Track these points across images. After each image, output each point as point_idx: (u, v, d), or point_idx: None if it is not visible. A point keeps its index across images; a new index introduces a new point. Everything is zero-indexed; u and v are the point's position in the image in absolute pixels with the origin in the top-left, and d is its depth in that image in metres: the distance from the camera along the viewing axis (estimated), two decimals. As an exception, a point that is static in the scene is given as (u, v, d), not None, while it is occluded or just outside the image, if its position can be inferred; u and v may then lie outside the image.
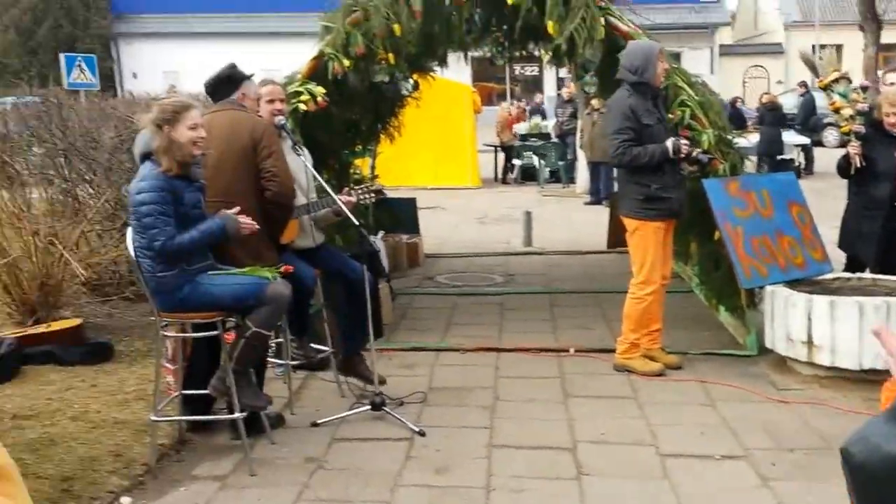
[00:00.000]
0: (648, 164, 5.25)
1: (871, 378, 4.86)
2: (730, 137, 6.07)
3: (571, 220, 12.52)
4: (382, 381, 5.04)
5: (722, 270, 6.06)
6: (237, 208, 4.18)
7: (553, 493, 3.92)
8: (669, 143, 5.27)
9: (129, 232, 4.17)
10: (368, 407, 4.78)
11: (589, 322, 6.74)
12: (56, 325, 6.01)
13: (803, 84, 23.12)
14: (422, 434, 4.57)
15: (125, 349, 6.03)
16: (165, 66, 29.27)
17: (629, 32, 5.91)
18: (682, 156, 5.32)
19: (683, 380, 5.40)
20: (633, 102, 5.30)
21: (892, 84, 5.83)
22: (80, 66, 14.17)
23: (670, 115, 5.71)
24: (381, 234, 7.77)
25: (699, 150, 5.50)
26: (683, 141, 5.36)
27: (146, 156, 4.11)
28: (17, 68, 29.88)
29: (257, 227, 4.23)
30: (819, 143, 21.02)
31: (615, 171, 6.56)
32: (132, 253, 4.13)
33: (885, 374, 1.45)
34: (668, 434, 4.56)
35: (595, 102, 12.64)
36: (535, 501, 3.85)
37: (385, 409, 4.77)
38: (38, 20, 32.02)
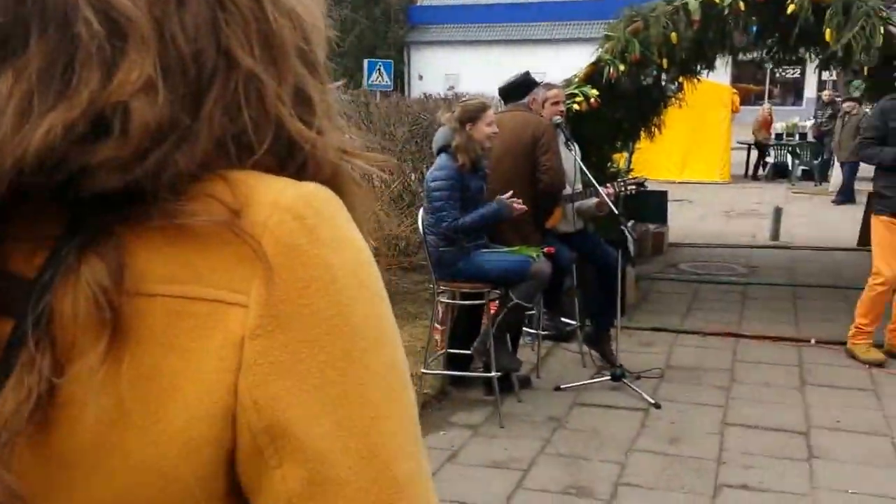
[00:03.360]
0: (880, 163, 5.14)
1: None
2: None
3: (820, 217, 11.59)
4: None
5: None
6: (510, 192, 4.34)
7: (782, 472, 3.76)
8: None
9: (421, 212, 4.49)
10: (608, 377, 4.81)
11: (832, 315, 6.22)
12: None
13: None
14: (657, 406, 4.53)
15: (398, 311, 6.39)
16: (447, 70, 30.46)
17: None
18: None
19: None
20: (886, 105, 5.14)
21: None
22: (379, 69, 15.03)
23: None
24: (630, 222, 7.61)
25: None
26: None
27: (442, 149, 4.34)
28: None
29: (526, 209, 4.37)
30: None
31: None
32: (421, 229, 4.44)
33: None
34: (907, 429, 4.21)
35: (846, 105, 12.81)
36: (765, 477, 3.72)
37: (624, 380, 4.76)
38: (347, 30, 34.49)
